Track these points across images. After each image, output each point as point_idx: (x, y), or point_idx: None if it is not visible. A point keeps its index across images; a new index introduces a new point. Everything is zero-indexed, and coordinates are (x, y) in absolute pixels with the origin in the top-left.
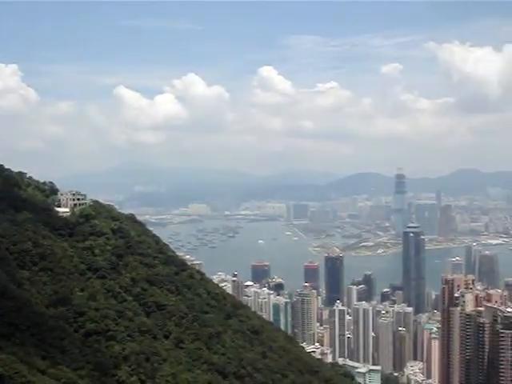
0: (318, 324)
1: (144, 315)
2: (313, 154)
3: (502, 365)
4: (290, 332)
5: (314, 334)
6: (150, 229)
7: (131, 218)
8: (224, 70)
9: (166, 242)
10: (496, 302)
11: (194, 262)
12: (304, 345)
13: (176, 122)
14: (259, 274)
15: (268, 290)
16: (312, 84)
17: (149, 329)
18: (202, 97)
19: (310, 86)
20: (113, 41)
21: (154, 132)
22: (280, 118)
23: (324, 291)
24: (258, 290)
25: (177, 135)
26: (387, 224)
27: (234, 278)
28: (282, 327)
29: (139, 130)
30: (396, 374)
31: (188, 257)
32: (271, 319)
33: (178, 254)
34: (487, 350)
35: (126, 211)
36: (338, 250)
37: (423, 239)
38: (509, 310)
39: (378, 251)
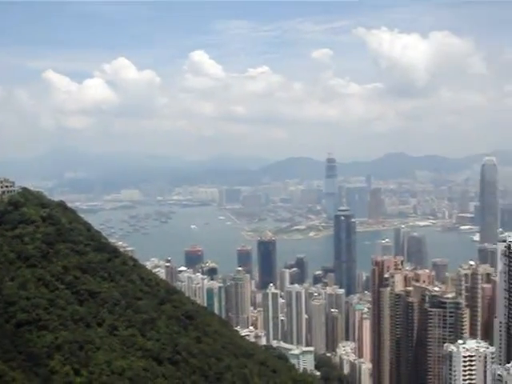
0: (252, 307)
1: (77, 303)
2: (245, 139)
3: (429, 342)
4: (224, 316)
5: (247, 317)
6: (81, 216)
7: (61, 205)
8: (155, 55)
9: (98, 229)
10: (424, 281)
11: (127, 249)
12: (238, 328)
13: (106, 106)
14: (192, 259)
15: (201, 275)
16: (243, 69)
17: (82, 317)
18: (133, 81)
19: (241, 71)
20: (42, 24)
21: (83, 117)
22: (212, 102)
23: (257, 275)
24: (192, 275)
25: (107, 120)
26: (319, 207)
27: (168, 264)
28: (216, 312)
29: (69, 115)
30: (329, 355)
31: (120, 243)
32: (205, 304)
33: (110, 240)
34: (416, 328)
35: (56, 198)
36: (270, 234)
37: (354, 222)
38: (436, 289)
39: (310, 234)
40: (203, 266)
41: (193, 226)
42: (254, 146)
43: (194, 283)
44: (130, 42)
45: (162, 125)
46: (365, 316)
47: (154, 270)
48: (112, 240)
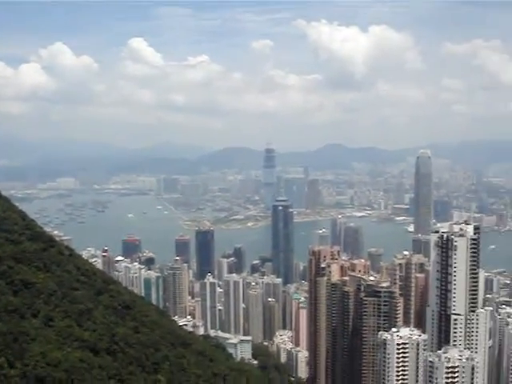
0: (190, 297)
1: (11, 294)
2: (183, 128)
3: (364, 330)
4: (161, 306)
5: (185, 307)
6: (16, 204)
7: None
8: (93, 41)
9: (33, 218)
10: (360, 271)
11: (63, 238)
12: (176, 318)
13: (42, 92)
14: (130, 249)
15: (139, 265)
16: (183, 57)
17: (16, 308)
18: (70, 67)
19: (180, 60)
20: None
21: (19, 103)
22: (150, 90)
23: (195, 264)
24: (129, 265)
25: (43, 106)
26: (257, 198)
27: (104, 254)
28: (154, 301)
29: (3, 101)
30: (266, 344)
31: (56, 232)
32: (143, 294)
33: (45, 229)
34: (351, 317)
35: None
36: (208, 224)
37: (291, 212)
38: (371, 278)
39: (248, 224)
40: (141, 255)
41: (130, 215)
42: (193, 136)
43: (132, 273)
44: (68, 27)
45: (100, 112)
46: (301, 305)
47: (90, 260)
48: (47, 229)
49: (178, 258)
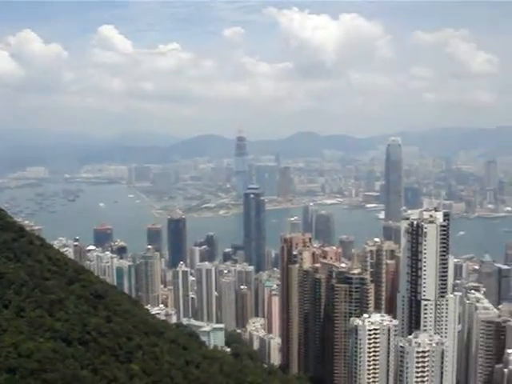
0: (162, 286)
1: None
2: (154, 116)
3: (336, 316)
4: (134, 295)
5: (158, 295)
6: None
7: None
8: (62, 28)
9: (3, 208)
10: (331, 258)
11: (34, 228)
12: (148, 307)
13: (10, 80)
14: (101, 238)
15: (111, 254)
16: (154, 45)
17: None
18: (39, 55)
19: (151, 47)
20: None
21: None
22: (121, 78)
23: (167, 253)
24: (101, 254)
25: (12, 95)
26: (228, 186)
27: (76, 243)
28: (126, 290)
29: None
30: (239, 331)
31: (27, 222)
32: (115, 283)
33: (15, 219)
34: (323, 304)
35: None
36: (180, 212)
37: (263, 200)
38: (343, 265)
39: (220, 212)
40: (112, 244)
41: (101, 204)
42: (164, 124)
43: (104, 262)
44: (37, 15)
45: (70, 100)
46: (274, 292)
47: (61, 250)
48: (18, 219)
49: (150, 246)
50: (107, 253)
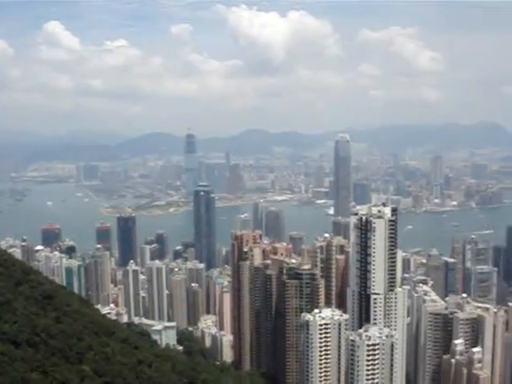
0: (112, 285)
1: None
2: (102, 114)
3: (287, 312)
4: (84, 295)
5: (108, 295)
6: None
7: None
8: (7, 25)
9: None
10: (282, 254)
11: None
12: (99, 307)
13: None
14: (49, 238)
15: (60, 254)
16: (101, 42)
17: None
18: None
19: (98, 44)
20: None
21: None
22: (68, 75)
23: (117, 252)
24: (49, 254)
25: None
26: (178, 183)
27: (23, 243)
28: (76, 290)
29: None
30: (191, 329)
31: None
32: (64, 283)
33: None
34: (274, 300)
35: None
36: (129, 210)
37: (213, 197)
38: (293, 261)
39: (170, 210)
40: (61, 244)
41: (49, 203)
42: (112, 121)
43: (52, 262)
44: None
45: (16, 98)
46: (225, 289)
47: (9, 250)
48: None
49: (99, 245)
50: (56, 253)
